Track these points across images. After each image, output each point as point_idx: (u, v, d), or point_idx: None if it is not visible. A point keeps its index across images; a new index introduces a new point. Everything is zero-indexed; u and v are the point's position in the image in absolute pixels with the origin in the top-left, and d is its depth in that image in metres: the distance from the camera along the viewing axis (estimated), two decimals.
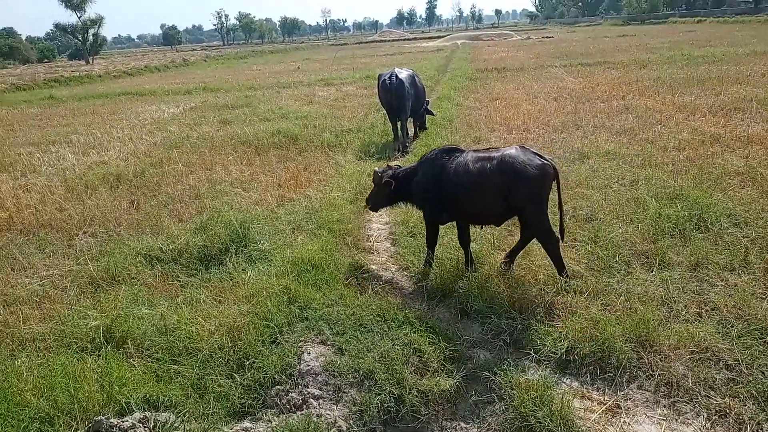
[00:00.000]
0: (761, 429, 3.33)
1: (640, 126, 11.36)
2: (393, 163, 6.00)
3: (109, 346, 4.32)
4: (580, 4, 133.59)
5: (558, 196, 5.03)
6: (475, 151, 5.26)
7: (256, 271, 5.47)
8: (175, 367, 4.04)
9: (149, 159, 11.63)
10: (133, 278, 5.92)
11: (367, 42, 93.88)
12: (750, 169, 7.53)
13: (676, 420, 3.50)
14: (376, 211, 6.21)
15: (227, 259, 6.02)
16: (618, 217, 6.21)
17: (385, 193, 5.76)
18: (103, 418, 3.13)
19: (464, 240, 5.43)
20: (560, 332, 4.17)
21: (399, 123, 10.83)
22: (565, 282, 4.83)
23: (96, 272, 6.00)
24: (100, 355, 4.15)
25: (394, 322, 4.45)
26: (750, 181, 7.02)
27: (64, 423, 3.25)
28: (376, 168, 6.01)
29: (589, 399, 3.75)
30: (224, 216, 7.02)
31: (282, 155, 11.41)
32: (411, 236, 6.28)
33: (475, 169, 5.03)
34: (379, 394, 3.72)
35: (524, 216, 5.05)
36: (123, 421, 3.08)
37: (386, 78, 10.40)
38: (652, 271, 5.05)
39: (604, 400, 3.72)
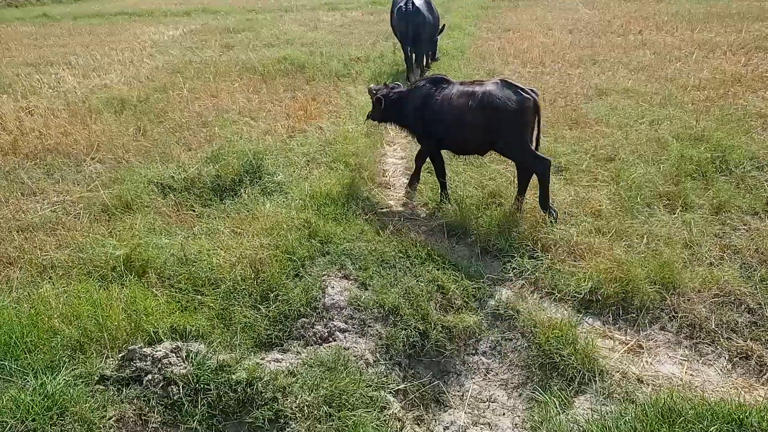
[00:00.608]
0: None
1: (659, 63, 11.03)
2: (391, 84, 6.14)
3: (131, 276, 4.32)
4: None
5: (537, 130, 5.03)
6: (461, 84, 5.32)
7: (274, 203, 5.40)
8: (199, 297, 4.05)
9: (153, 84, 11.32)
10: (146, 207, 5.85)
11: None
12: None
13: (698, 361, 3.56)
14: (379, 122, 6.20)
15: (242, 190, 5.95)
16: (640, 157, 6.11)
17: (378, 110, 5.91)
18: (137, 347, 3.15)
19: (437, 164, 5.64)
20: (584, 272, 4.17)
21: (414, 52, 10.47)
22: (552, 221, 4.87)
23: (109, 200, 5.93)
24: (122, 284, 4.15)
25: (417, 259, 4.45)
26: None
27: (94, 351, 3.27)
28: (372, 85, 6.24)
29: (611, 338, 3.79)
30: (235, 146, 6.89)
31: (289, 84, 11.09)
32: (428, 172, 6.18)
33: (457, 104, 5.13)
34: (405, 329, 3.76)
35: (506, 150, 5.14)
36: (156, 351, 3.10)
37: (402, 4, 9.96)
38: (674, 214, 5.01)
39: (626, 340, 3.76)
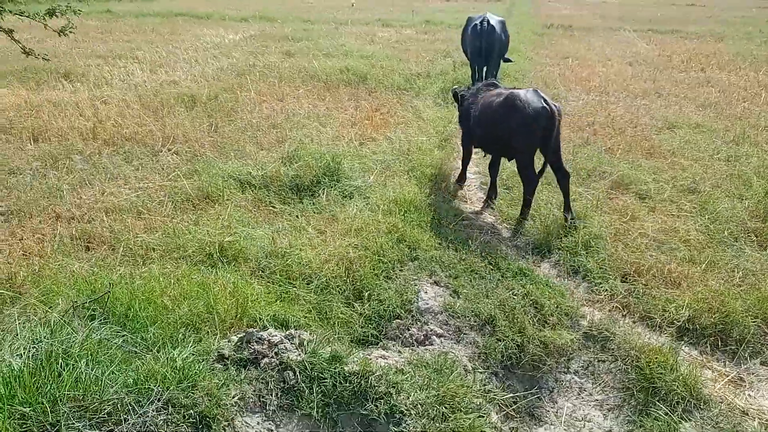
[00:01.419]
0: None
1: (725, 101, 10.90)
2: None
3: (224, 264, 4.42)
4: None
5: (554, 142, 5.37)
6: (504, 88, 5.90)
7: (355, 206, 5.47)
8: (294, 290, 4.11)
9: (220, 84, 11.59)
10: (226, 200, 5.98)
11: None
12: None
13: None
14: None
15: (320, 191, 6.03)
16: (722, 191, 6.03)
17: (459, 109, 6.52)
18: (254, 330, 3.21)
19: (492, 169, 6.12)
20: (680, 301, 4.12)
21: (482, 70, 10.59)
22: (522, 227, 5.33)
23: (191, 190, 6.07)
24: (217, 271, 4.24)
25: (509, 272, 4.45)
26: None
27: (207, 331, 3.34)
28: (456, 86, 7.09)
29: (710, 369, 3.72)
30: (310, 148, 7.01)
31: (352, 93, 11.26)
32: (506, 188, 6.20)
33: (488, 103, 5.70)
34: (502, 341, 3.75)
35: (515, 151, 5.53)
36: (272, 336, 3.16)
37: (477, 22, 10.09)
38: (765, 250, 4.92)
39: (726, 371, 3.70)
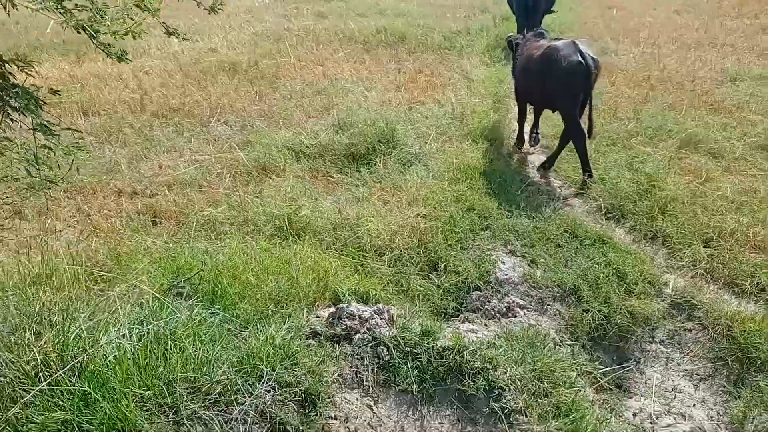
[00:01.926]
0: None
1: None
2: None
3: (294, 237, 4.39)
4: None
5: (589, 97, 5.34)
6: (549, 39, 5.95)
7: (418, 174, 5.36)
8: (369, 262, 4.07)
9: (258, 50, 11.42)
10: (283, 170, 5.93)
11: None
12: None
13: None
14: None
15: (376, 159, 5.93)
16: None
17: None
18: (344, 306, 3.18)
19: (520, 118, 6.40)
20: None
21: (528, 24, 10.23)
22: (591, 181, 5.26)
23: (248, 161, 6.04)
24: (294, 245, 4.22)
25: (587, 240, 4.33)
26: None
27: (294, 307, 3.32)
28: (510, 33, 7.34)
29: None
30: (360, 115, 6.89)
31: (392, 55, 10.99)
32: (570, 151, 6.01)
33: (530, 54, 5.81)
34: (588, 312, 3.67)
35: (556, 106, 5.63)
36: (363, 311, 3.13)
37: None
38: None
39: None
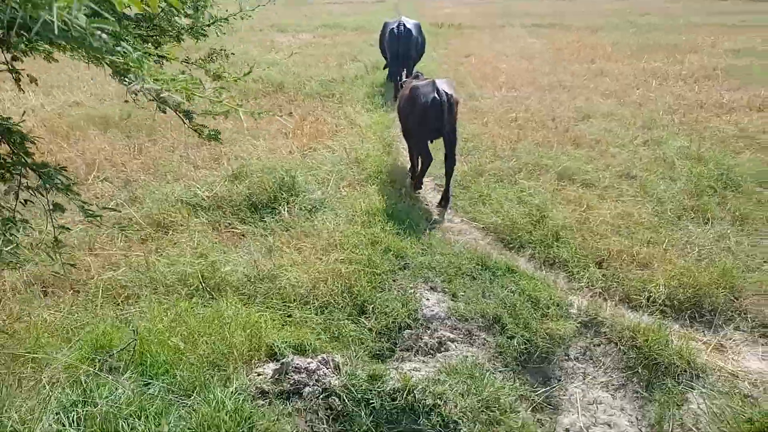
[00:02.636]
0: None
1: (622, 89, 11.85)
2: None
3: (210, 294, 4.21)
4: None
5: (453, 130, 6.00)
6: (424, 80, 6.59)
7: (330, 220, 5.40)
8: (296, 312, 4.01)
9: (130, 102, 10.87)
10: (181, 225, 5.68)
11: None
12: (747, 133, 8.14)
13: None
14: None
15: (280, 207, 5.89)
16: (654, 174, 6.59)
17: None
18: (289, 359, 3.10)
19: (411, 156, 6.83)
20: (655, 280, 4.47)
21: (403, 70, 10.81)
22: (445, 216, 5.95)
23: (139, 218, 5.71)
24: (208, 303, 4.04)
25: (498, 270, 4.60)
26: (755, 145, 7.60)
27: (230, 366, 3.18)
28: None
29: (694, 340, 4.08)
30: (256, 164, 6.83)
31: (273, 104, 11.05)
32: (463, 188, 6.39)
33: (402, 93, 6.68)
34: (512, 338, 3.89)
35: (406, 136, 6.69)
36: (309, 363, 3.08)
37: (394, 27, 10.28)
38: (706, 225, 5.45)
39: (708, 340, 4.07)
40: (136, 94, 1.56)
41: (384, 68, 12.83)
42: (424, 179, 6.93)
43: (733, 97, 10.75)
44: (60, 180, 2.07)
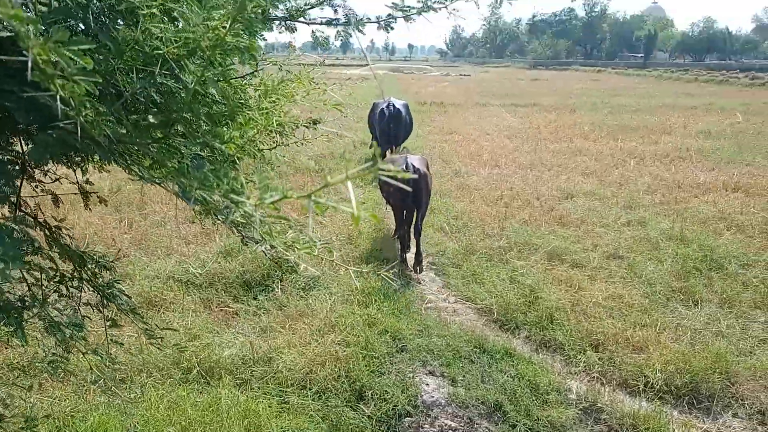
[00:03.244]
0: None
1: (601, 169, 12.27)
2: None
3: (205, 379, 4.13)
4: (488, 45, 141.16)
5: (422, 205, 6.53)
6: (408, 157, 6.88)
7: (323, 300, 5.39)
8: (294, 399, 3.93)
9: (120, 174, 10.94)
10: (171, 304, 5.62)
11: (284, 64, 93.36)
12: (725, 214, 8.43)
13: None
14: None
15: (275, 285, 5.87)
16: (640, 255, 6.74)
17: None
18: None
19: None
20: (651, 365, 4.50)
21: (393, 149, 11.10)
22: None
23: (132, 296, 5.62)
24: (205, 389, 3.95)
25: (496, 354, 4.59)
26: (734, 226, 7.86)
27: None
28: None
29: (693, 428, 4.07)
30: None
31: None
32: (455, 267, 6.45)
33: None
34: (514, 426, 3.84)
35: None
36: None
37: (384, 107, 10.66)
38: (696, 308, 5.55)
39: (707, 428, 4.06)
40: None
41: (370, 147, 13.20)
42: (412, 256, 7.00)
43: (708, 177, 11.19)
44: (125, 301, 2.07)
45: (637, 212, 8.62)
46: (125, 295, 2.02)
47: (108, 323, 2.09)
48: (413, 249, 6.70)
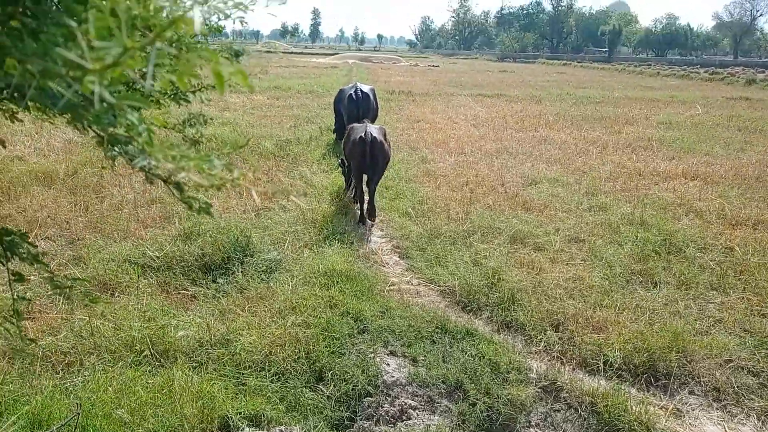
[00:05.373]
0: None
1: (565, 157, 12.40)
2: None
3: (160, 360, 4.00)
4: (456, 37, 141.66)
5: (378, 170, 7.38)
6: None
7: (284, 282, 5.29)
8: (252, 380, 3.83)
9: (76, 157, 10.60)
10: (127, 287, 5.44)
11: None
12: (684, 200, 8.61)
13: (732, 421, 3.99)
14: None
15: (235, 268, 5.74)
16: (601, 239, 6.82)
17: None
18: None
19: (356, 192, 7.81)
20: (610, 344, 4.54)
21: None
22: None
23: (86, 279, 5.42)
24: (157, 370, 3.83)
25: (458, 333, 4.57)
26: (693, 211, 8.02)
27: None
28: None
29: (651, 405, 4.12)
30: (208, 223, 6.69)
31: (224, 163, 10.96)
32: (419, 250, 6.42)
33: (347, 135, 7.82)
34: (474, 405, 3.82)
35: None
36: None
37: (351, 92, 10.56)
38: (655, 289, 5.64)
39: (665, 405, 4.12)
40: (113, 160, 1.41)
41: (333, 132, 13.08)
42: (383, 241, 6.95)
43: (669, 166, 11.42)
44: (27, 249, 1.91)
45: (598, 198, 8.73)
46: (28, 243, 1.86)
47: (13, 277, 1.94)
48: (367, 206, 7.39)
